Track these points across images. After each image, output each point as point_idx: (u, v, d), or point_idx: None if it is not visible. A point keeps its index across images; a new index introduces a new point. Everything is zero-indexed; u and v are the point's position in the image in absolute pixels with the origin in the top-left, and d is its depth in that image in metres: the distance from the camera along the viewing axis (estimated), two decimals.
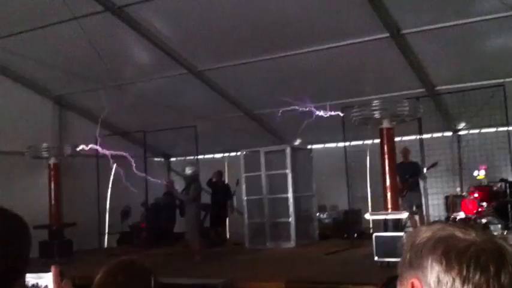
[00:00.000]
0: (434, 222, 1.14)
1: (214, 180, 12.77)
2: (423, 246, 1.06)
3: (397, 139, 8.62)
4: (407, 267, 1.07)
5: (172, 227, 13.32)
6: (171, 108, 11.61)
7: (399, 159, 10.47)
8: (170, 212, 13.14)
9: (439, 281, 1.01)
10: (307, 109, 9.67)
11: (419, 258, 1.05)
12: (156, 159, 15.41)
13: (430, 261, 1.03)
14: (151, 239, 12.25)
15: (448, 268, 1.00)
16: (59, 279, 1.64)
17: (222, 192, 12.71)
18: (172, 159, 15.68)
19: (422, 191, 10.93)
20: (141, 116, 12.00)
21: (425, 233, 1.08)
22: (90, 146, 10.44)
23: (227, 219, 13.27)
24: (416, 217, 10.32)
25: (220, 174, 13.08)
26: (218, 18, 9.09)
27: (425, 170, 10.69)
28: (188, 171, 9.90)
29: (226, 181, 13.36)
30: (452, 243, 1.03)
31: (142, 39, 9.67)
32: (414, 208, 10.30)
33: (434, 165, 10.64)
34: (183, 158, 14.43)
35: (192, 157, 12.63)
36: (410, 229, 8.68)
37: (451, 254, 1.01)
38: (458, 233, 1.05)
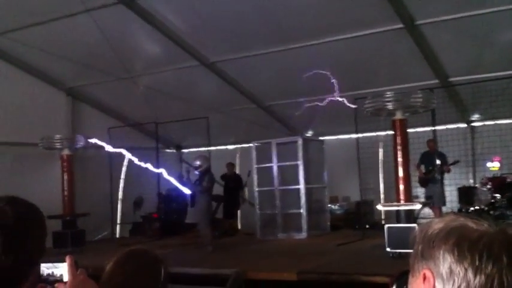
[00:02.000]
0: (447, 213, 1.14)
1: (226, 172, 12.85)
2: (435, 237, 1.06)
3: (410, 130, 8.57)
4: (419, 259, 1.08)
5: (184, 218, 13.39)
6: (183, 100, 11.63)
7: (425, 148, 10.49)
8: (182, 203, 13.19)
9: (451, 272, 1.01)
10: (320, 101, 9.65)
11: (431, 249, 1.05)
12: (168, 150, 15.47)
13: (442, 251, 1.03)
14: (164, 229, 12.32)
15: (460, 258, 1.00)
16: (74, 269, 1.65)
17: (233, 183, 12.78)
18: (184, 150, 15.73)
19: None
20: (153, 108, 12.03)
21: (437, 224, 1.09)
22: (100, 142, 10.44)
23: (239, 210, 13.32)
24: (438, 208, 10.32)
25: (232, 166, 13.15)
26: (230, 9, 9.06)
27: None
28: (196, 163, 9.91)
29: (238, 172, 13.40)
30: (465, 234, 1.03)
31: (155, 31, 9.67)
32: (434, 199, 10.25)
33: (455, 162, 10.55)
34: (195, 150, 14.47)
35: (204, 148, 12.66)
36: (423, 220, 8.64)
37: (463, 244, 1.01)
38: (471, 224, 1.04)
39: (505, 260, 0.98)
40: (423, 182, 10.68)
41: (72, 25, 9.51)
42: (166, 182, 13.32)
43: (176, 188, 13.54)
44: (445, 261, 1.02)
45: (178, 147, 15.78)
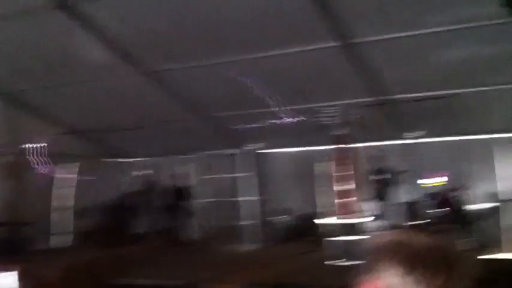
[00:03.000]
0: (393, 229, 1.21)
1: (172, 183, 12.78)
2: (382, 250, 1.11)
3: (353, 145, 8.79)
4: (366, 272, 1.11)
5: (132, 227, 13.19)
6: (128, 109, 11.48)
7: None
8: (129, 213, 12.99)
9: (396, 283, 1.05)
10: (268, 113, 9.74)
11: (378, 262, 1.09)
12: (110, 160, 15.21)
13: (388, 264, 1.07)
14: (110, 239, 12.07)
15: (405, 271, 1.05)
16: (21, 278, 1.65)
17: (178, 194, 12.71)
18: (129, 160, 15.52)
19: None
20: (96, 116, 11.80)
21: (383, 238, 1.14)
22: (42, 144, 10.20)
23: (188, 221, 13.24)
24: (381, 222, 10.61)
25: (177, 176, 13.09)
26: (174, 20, 9.02)
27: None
28: (144, 173, 9.84)
29: (188, 182, 13.35)
30: (409, 247, 1.08)
31: (95, 38, 9.50)
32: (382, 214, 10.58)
33: (403, 172, 10.91)
34: (142, 159, 14.31)
35: (149, 158, 12.55)
36: (369, 234, 8.85)
37: (408, 257, 1.06)
38: (414, 238, 1.11)
39: (446, 271, 1.04)
40: (375, 197, 11.06)
41: (7, 29, 9.15)
42: (112, 191, 13.10)
43: (125, 197, 13.31)
44: (391, 274, 1.06)
45: (123, 156, 15.53)
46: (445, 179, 10.90)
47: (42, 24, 8.65)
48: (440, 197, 10.51)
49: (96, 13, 8.83)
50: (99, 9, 8.78)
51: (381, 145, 11.22)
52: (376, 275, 1.09)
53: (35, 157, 11.04)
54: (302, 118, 8.90)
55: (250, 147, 12.75)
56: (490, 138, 11.77)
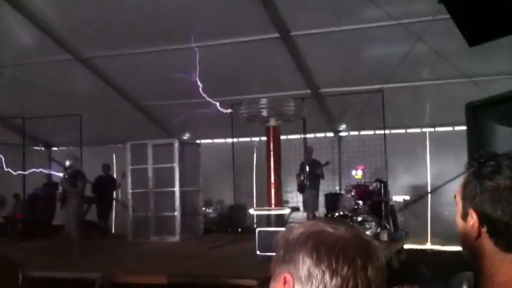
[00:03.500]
0: (308, 220, 1.22)
1: (101, 173, 12.54)
2: (295, 242, 1.10)
3: (282, 137, 8.88)
4: (280, 263, 1.11)
5: (51, 219, 12.78)
6: (55, 95, 11.10)
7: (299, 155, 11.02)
8: (49, 204, 12.60)
9: (309, 274, 1.05)
10: (197, 104, 9.69)
11: (292, 253, 1.09)
12: (36, 148, 14.66)
13: (301, 255, 1.07)
14: (28, 231, 11.65)
15: (318, 261, 1.05)
16: None
17: (106, 184, 12.46)
18: (55, 148, 15.00)
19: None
20: (21, 102, 11.31)
21: (297, 229, 1.13)
22: None
23: (112, 212, 12.97)
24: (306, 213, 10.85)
25: (107, 167, 12.83)
26: (108, 5, 8.83)
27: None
28: (68, 162, 9.51)
29: (114, 173, 13.07)
30: (323, 238, 1.07)
31: (26, 21, 9.14)
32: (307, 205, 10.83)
33: (327, 164, 11.27)
34: (66, 148, 13.86)
35: (76, 147, 12.18)
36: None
37: (321, 248, 1.06)
38: (329, 229, 1.09)
39: (359, 262, 1.04)
40: (300, 189, 11.30)
41: None
42: (33, 181, 12.66)
43: (44, 188, 12.94)
44: (304, 265, 1.06)
45: (48, 145, 15.02)
46: (361, 171, 11.23)
47: None
48: (361, 189, 10.84)
49: None
50: None
51: (309, 137, 11.44)
52: (289, 265, 1.09)
53: None
54: (236, 109, 8.94)
55: (182, 137, 12.67)
56: (415, 132, 12.32)
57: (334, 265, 1.04)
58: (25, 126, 12.06)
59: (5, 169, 10.88)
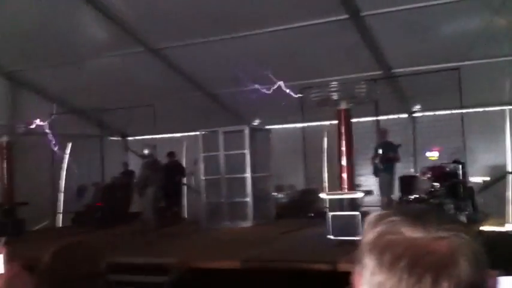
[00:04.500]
0: (386, 213, 1.06)
1: (172, 161, 12.82)
2: (367, 244, 1.00)
3: (354, 120, 8.72)
4: (358, 261, 1.02)
5: (128, 207, 13.23)
6: (129, 87, 11.43)
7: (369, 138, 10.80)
8: (127, 192, 13.03)
9: (372, 282, 0.96)
10: (267, 90, 9.68)
11: (362, 255, 1.00)
12: (112, 138, 15.19)
13: (367, 259, 0.97)
14: (107, 219, 12.12)
15: (380, 272, 0.94)
16: (8, 261, 1.60)
17: (174, 171, 12.71)
18: (130, 138, 15.49)
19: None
20: (98, 94, 11.74)
21: (373, 227, 1.01)
22: (41, 123, 10.17)
23: (184, 199, 13.25)
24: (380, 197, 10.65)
25: (172, 154, 13.11)
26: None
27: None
28: (146, 151, 9.83)
29: (184, 160, 13.34)
30: (391, 246, 0.95)
31: (100, 16, 9.43)
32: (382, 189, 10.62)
33: (398, 146, 10.97)
34: (140, 138, 14.27)
35: (149, 136, 12.52)
36: (367, 209, 8.83)
37: (385, 259, 0.94)
38: (405, 230, 0.95)
39: (428, 280, 0.88)
40: (375, 172, 11.05)
41: (13, 8, 9.15)
42: (111, 171, 13.15)
43: (121, 177, 13.40)
44: (368, 270, 0.97)
45: (123, 135, 15.53)
46: (437, 153, 10.84)
47: (46, 2, 8.60)
48: (437, 171, 10.47)
49: None
50: None
51: (382, 119, 11.17)
52: (360, 266, 1.00)
53: (35, 137, 11.00)
54: (305, 93, 8.86)
55: (252, 123, 12.72)
56: (494, 110, 11.76)
57: (397, 281, 0.91)
58: (103, 118, 12.50)
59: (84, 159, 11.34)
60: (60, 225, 12.71)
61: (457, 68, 9.62)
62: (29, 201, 10.60)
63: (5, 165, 10.50)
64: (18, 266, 1.61)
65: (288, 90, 9.46)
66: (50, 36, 9.26)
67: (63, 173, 12.88)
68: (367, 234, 1.01)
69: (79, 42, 10.60)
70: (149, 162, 9.77)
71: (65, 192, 13.08)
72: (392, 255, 0.92)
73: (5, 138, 10.49)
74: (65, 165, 12.73)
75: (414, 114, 12.58)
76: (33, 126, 10.35)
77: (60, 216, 13.02)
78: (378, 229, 0.99)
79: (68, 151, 12.13)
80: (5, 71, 12.02)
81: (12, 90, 12.39)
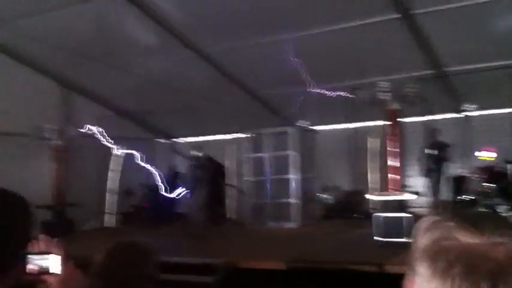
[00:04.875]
0: (442, 218, 0.98)
1: (217, 162, 12.94)
2: (421, 249, 0.97)
3: (403, 120, 8.60)
4: (409, 267, 1.00)
5: (174, 207, 13.41)
6: (176, 90, 11.57)
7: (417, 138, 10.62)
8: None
9: None
10: (314, 90, 9.64)
11: (415, 261, 0.97)
12: (160, 140, 15.43)
13: (420, 266, 0.94)
14: (154, 219, 12.33)
15: (434, 277, 0.90)
16: (64, 261, 1.65)
17: (215, 172, 12.81)
18: (177, 140, 15.70)
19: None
20: (146, 98, 11.94)
21: (427, 232, 0.98)
22: (92, 126, 10.43)
23: (227, 199, 13.34)
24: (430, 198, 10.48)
25: (219, 157, 13.23)
26: (219, 2, 9.02)
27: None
28: (195, 153, 9.97)
29: (229, 162, 13.43)
30: (448, 250, 0.91)
31: (148, 20, 9.59)
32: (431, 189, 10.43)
33: (449, 146, 10.75)
34: (188, 140, 14.44)
35: (196, 138, 12.66)
36: (414, 210, 8.68)
37: (438, 265, 0.90)
38: (460, 235, 0.91)
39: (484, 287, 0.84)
40: (426, 172, 10.92)
41: (65, 14, 9.40)
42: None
43: (166, 178, 13.60)
44: (422, 277, 0.93)
45: (170, 137, 15.75)
46: (494, 153, 10.54)
47: (98, 9, 8.81)
48: (489, 172, 10.19)
49: None
50: None
51: (432, 119, 10.95)
52: (412, 272, 0.97)
53: (86, 140, 11.29)
54: (354, 94, 8.77)
55: (298, 124, 12.68)
56: None
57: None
58: (152, 121, 12.69)
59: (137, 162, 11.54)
60: (108, 225, 12.99)
61: (511, 66, 9.33)
62: (79, 201, 10.89)
63: (56, 166, 10.81)
64: (72, 266, 1.66)
65: (336, 91, 9.39)
66: (100, 42, 9.47)
67: (111, 175, 13.15)
68: (421, 240, 0.97)
69: (128, 46, 10.82)
70: (197, 163, 9.91)
71: (113, 194, 13.37)
72: (447, 261, 0.88)
73: (56, 141, 10.81)
74: (117, 167, 12.99)
75: (465, 113, 12.27)
76: (84, 129, 10.63)
77: (108, 216, 13.31)
78: (432, 234, 0.95)
79: (118, 153, 12.38)
80: (58, 76, 12.38)
81: (65, 94, 12.75)
